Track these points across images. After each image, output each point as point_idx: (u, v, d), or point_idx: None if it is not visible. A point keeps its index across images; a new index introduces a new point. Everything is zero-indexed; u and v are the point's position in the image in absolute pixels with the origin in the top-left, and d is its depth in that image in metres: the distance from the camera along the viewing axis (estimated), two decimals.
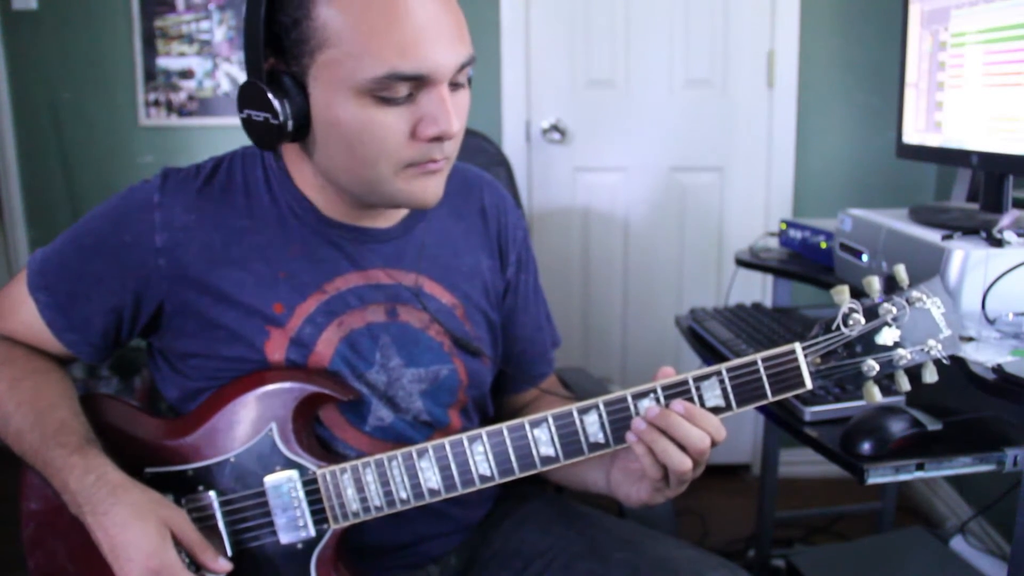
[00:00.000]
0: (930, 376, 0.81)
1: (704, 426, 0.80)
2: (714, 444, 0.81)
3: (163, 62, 2.42)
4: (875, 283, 0.80)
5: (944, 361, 0.81)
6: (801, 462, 2.43)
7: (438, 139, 0.83)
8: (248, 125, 0.86)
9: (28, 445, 0.89)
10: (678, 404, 0.80)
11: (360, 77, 0.79)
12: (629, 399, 0.83)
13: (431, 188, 0.88)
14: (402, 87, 0.81)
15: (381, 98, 0.81)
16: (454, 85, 0.85)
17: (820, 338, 0.81)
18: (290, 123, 0.83)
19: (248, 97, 0.84)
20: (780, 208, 2.44)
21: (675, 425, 0.79)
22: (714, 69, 2.41)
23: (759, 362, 0.81)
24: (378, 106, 0.81)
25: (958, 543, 1.87)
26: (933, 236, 1.13)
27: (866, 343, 0.80)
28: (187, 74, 2.43)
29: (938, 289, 0.81)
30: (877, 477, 0.93)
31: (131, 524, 0.82)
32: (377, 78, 0.79)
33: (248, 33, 0.83)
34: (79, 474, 0.84)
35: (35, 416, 0.90)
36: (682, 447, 0.80)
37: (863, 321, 0.80)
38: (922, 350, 0.80)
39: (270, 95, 0.82)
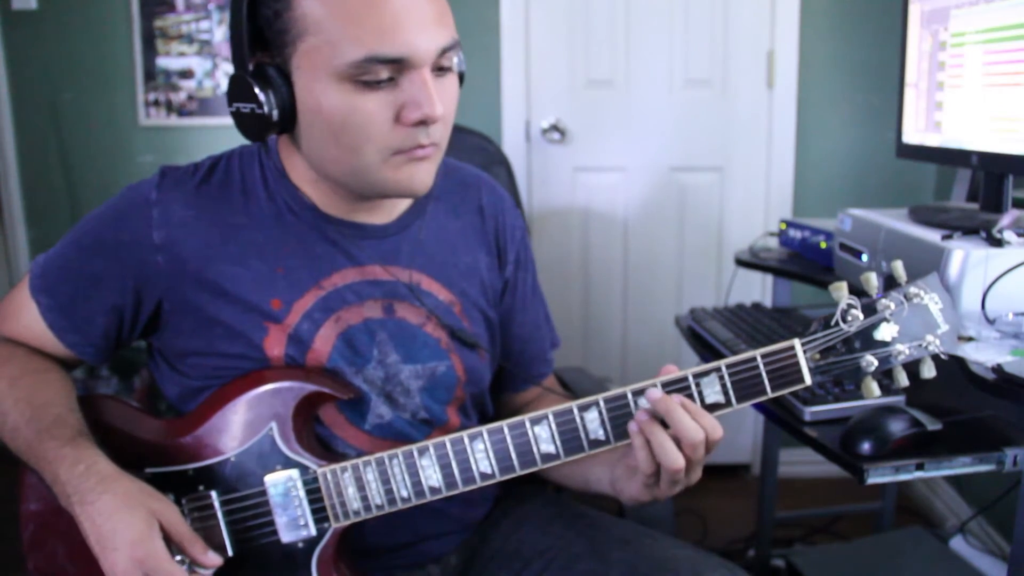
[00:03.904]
0: (928, 371, 0.81)
1: (700, 421, 0.80)
2: (709, 446, 0.81)
3: (163, 62, 2.42)
4: (873, 279, 0.81)
5: (942, 356, 0.81)
6: (801, 462, 2.43)
7: (422, 123, 0.84)
8: (237, 118, 0.87)
9: (23, 440, 0.89)
10: (677, 397, 0.81)
11: (339, 62, 0.81)
12: (629, 396, 0.83)
13: (419, 176, 0.88)
14: (382, 71, 0.81)
15: (362, 83, 0.82)
16: (440, 70, 0.85)
17: (819, 334, 0.81)
18: (275, 113, 0.84)
19: (235, 90, 0.86)
20: (780, 208, 2.44)
21: (674, 410, 0.80)
22: (714, 69, 2.41)
23: (759, 358, 0.81)
24: (360, 91, 0.82)
25: (958, 543, 1.87)
26: (933, 236, 1.13)
27: (864, 339, 0.80)
28: (187, 74, 2.43)
29: (936, 285, 0.82)
30: (877, 477, 0.93)
31: (117, 513, 0.81)
32: (356, 62, 0.80)
33: (233, 28, 0.84)
34: (69, 464, 0.84)
35: (32, 412, 0.90)
36: (677, 442, 0.80)
37: (861, 317, 0.80)
38: (920, 346, 0.80)
39: (255, 86, 0.84)
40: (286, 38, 0.83)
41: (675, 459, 0.80)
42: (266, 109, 0.84)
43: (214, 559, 0.86)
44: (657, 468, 0.82)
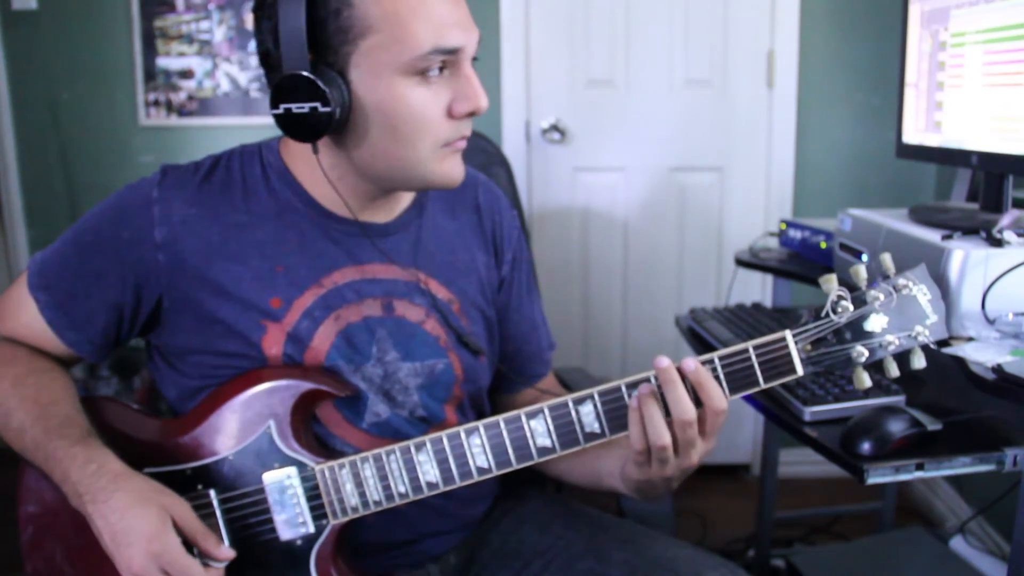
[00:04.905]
0: (918, 362, 0.82)
1: (708, 388, 0.80)
2: (710, 422, 0.81)
3: (163, 62, 2.42)
4: (862, 271, 0.82)
5: (932, 346, 0.82)
6: (801, 462, 2.43)
7: (471, 114, 0.88)
8: (287, 119, 0.85)
9: (30, 439, 0.89)
10: (690, 361, 0.81)
11: (407, 57, 0.84)
12: (623, 388, 0.84)
13: (458, 167, 0.93)
14: (438, 62, 0.85)
15: (420, 76, 0.85)
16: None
17: (810, 325, 0.82)
18: (338, 111, 0.85)
19: (289, 90, 0.84)
20: (780, 208, 2.44)
21: (673, 382, 0.80)
22: (714, 69, 2.41)
23: (751, 350, 0.82)
24: (420, 85, 0.86)
25: (958, 543, 1.87)
26: (933, 236, 1.13)
27: (855, 330, 0.81)
28: (187, 74, 2.43)
29: (924, 276, 0.83)
30: (877, 477, 0.93)
31: (131, 510, 0.82)
32: (423, 54, 0.84)
33: (287, 29, 0.83)
34: (80, 463, 0.85)
35: (39, 411, 0.90)
36: (669, 419, 0.81)
37: (851, 308, 0.81)
38: (910, 336, 0.81)
39: (320, 83, 0.83)
40: (345, 37, 0.84)
41: (660, 434, 0.81)
42: (332, 106, 0.84)
43: (227, 552, 0.87)
44: (648, 446, 0.83)
